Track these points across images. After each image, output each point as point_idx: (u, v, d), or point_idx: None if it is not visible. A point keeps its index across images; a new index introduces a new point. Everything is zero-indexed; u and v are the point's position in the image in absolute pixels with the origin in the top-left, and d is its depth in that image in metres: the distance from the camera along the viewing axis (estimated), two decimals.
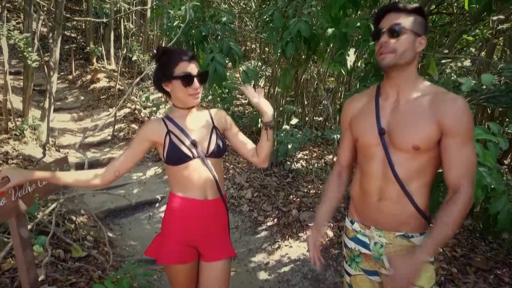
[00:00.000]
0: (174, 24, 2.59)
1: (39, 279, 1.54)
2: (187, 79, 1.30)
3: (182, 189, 1.40)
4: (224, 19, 2.50)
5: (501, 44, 4.29)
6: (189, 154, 1.35)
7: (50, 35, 4.01)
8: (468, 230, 3.13)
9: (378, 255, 1.28)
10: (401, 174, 1.16)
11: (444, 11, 5.95)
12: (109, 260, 2.71)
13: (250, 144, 1.50)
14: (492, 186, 1.69)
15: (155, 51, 1.35)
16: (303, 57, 3.34)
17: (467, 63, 2.51)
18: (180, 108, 1.39)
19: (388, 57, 1.12)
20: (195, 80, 1.32)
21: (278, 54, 2.60)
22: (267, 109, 1.37)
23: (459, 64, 2.53)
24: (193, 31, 2.52)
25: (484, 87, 2.55)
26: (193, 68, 1.33)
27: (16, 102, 5.85)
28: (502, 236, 2.75)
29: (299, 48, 2.47)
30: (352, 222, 1.37)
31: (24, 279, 1.28)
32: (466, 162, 1.09)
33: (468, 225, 3.20)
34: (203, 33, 2.47)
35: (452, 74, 2.52)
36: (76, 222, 2.91)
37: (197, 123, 1.41)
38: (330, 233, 2.90)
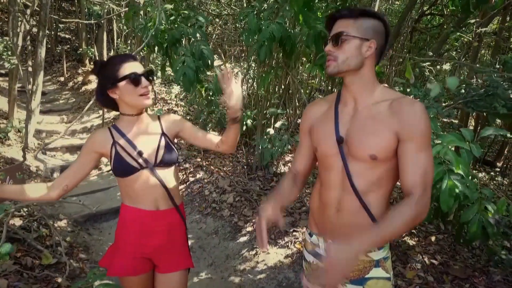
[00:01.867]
0: (148, 25, 2.55)
1: None
2: (134, 78, 1.24)
3: (132, 200, 1.36)
4: (198, 22, 2.46)
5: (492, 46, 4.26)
6: (136, 165, 1.30)
7: (28, 38, 3.96)
8: (452, 236, 3.08)
9: None
10: (359, 185, 1.11)
11: (437, 13, 5.92)
12: (83, 267, 2.67)
13: (210, 136, 1.45)
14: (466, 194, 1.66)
15: (93, 64, 1.30)
16: (284, 59, 3.29)
17: (446, 66, 2.46)
18: (128, 115, 1.33)
19: (330, 65, 1.08)
20: (143, 78, 1.27)
21: (253, 57, 2.55)
22: (237, 101, 1.27)
23: (438, 67, 2.48)
24: (166, 34, 2.48)
25: (463, 91, 2.52)
26: (138, 67, 1.27)
27: (3, 103, 5.82)
28: (474, 244, 2.70)
29: (273, 51, 2.42)
30: (310, 235, 1.33)
31: None
32: (422, 168, 1.03)
33: (453, 231, 3.15)
34: (176, 37, 2.42)
35: (431, 78, 2.46)
36: (52, 228, 2.86)
37: (145, 131, 1.36)
38: None
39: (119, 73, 1.25)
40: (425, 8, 5.70)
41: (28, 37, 4.14)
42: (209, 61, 2.33)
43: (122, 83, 1.25)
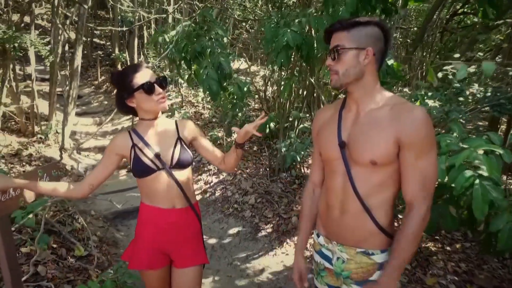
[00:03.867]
0: (168, 41, 2.68)
1: (28, 274, 1.64)
2: (148, 87, 1.33)
3: (150, 199, 1.45)
4: (217, 34, 2.55)
5: None
6: (153, 166, 1.39)
7: (68, 47, 4.26)
8: (480, 244, 2.96)
9: (339, 271, 1.26)
10: (361, 189, 1.14)
11: (470, 11, 5.69)
12: (112, 260, 2.85)
13: (217, 152, 1.54)
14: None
15: (110, 76, 1.41)
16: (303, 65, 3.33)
17: (471, 69, 2.39)
18: (146, 120, 1.42)
19: (333, 79, 1.13)
20: (156, 86, 1.35)
21: (272, 64, 2.62)
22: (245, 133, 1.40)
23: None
24: (188, 47, 2.59)
25: (489, 94, 2.43)
26: (150, 76, 1.35)
27: (45, 107, 6.27)
28: (504, 255, 2.57)
29: (289, 58, 2.45)
30: (318, 236, 1.36)
31: (7, 276, 1.39)
32: (422, 175, 1.06)
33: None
34: (197, 50, 2.53)
35: (454, 81, 2.41)
36: (84, 223, 3.07)
37: (162, 134, 1.44)
38: None
39: (133, 84, 1.34)
40: (457, 7, 5.50)
41: (67, 45, 4.44)
42: (226, 73, 2.42)
43: (137, 92, 1.34)
